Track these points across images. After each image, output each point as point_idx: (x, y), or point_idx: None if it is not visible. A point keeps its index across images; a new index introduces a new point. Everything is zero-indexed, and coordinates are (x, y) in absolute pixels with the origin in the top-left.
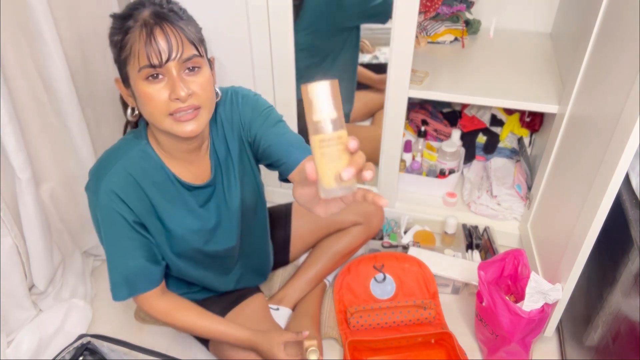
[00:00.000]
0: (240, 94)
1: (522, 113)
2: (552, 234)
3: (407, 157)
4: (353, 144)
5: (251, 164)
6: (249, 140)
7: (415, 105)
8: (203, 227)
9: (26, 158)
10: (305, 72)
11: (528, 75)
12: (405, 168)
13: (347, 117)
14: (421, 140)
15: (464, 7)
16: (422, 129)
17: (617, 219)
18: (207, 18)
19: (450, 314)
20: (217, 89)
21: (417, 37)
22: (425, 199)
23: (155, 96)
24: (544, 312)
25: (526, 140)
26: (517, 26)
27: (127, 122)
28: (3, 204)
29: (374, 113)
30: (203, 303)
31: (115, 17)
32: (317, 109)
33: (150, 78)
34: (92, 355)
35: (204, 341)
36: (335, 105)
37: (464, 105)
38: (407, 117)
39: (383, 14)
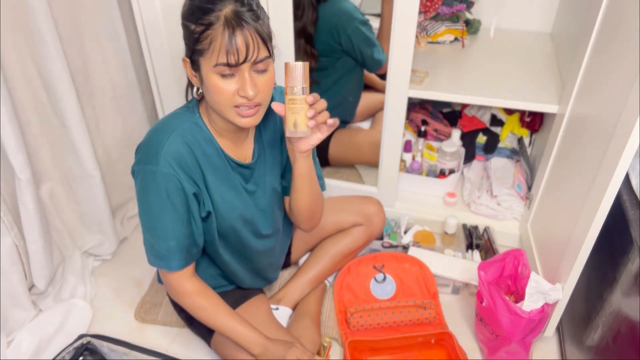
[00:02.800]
0: None
1: (522, 113)
2: (552, 234)
3: (407, 157)
4: (310, 98)
5: (282, 163)
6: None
7: (415, 105)
8: (244, 205)
9: (26, 158)
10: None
11: (528, 75)
12: (405, 168)
13: (348, 121)
14: (421, 140)
15: (464, 7)
16: (422, 129)
17: (617, 219)
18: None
19: (450, 314)
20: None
21: (417, 37)
22: (425, 199)
23: (224, 89)
24: (544, 312)
25: (526, 140)
26: (517, 26)
27: (189, 85)
28: (3, 204)
29: (375, 113)
30: None
31: (193, 3)
32: (292, 78)
33: (223, 75)
34: (92, 355)
35: (205, 337)
36: (304, 78)
37: (464, 105)
38: (407, 117)
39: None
